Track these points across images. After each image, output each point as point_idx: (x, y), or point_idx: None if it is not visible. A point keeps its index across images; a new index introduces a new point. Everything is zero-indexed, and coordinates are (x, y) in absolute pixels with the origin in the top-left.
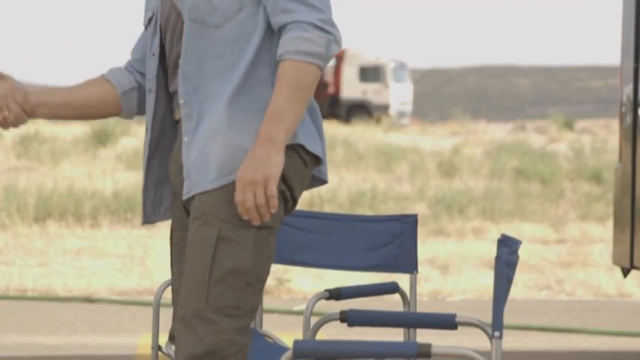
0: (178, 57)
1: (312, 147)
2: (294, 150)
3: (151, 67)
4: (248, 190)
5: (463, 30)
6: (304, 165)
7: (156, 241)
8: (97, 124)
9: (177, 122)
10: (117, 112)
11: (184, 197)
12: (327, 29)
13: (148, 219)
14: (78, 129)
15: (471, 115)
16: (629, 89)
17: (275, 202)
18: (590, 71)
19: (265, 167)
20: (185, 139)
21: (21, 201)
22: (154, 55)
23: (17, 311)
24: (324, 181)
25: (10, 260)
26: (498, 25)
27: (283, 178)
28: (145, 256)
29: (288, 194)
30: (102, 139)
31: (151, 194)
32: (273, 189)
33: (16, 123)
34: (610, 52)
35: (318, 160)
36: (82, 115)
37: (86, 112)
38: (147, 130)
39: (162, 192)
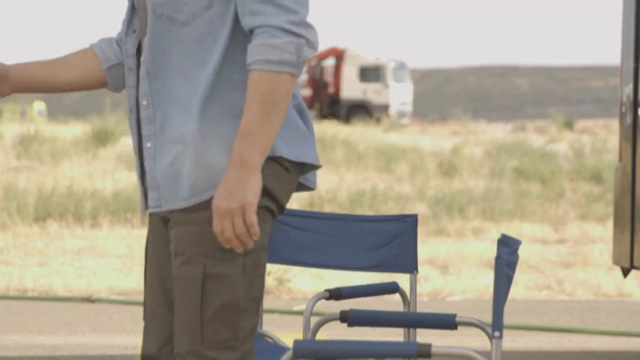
0: None
1: (296, 155)
2: (274, 160)
3: (130, 44)
4: (226, 220)
5: (463, 30)
6: (286, 171)
7: None
8: (97, 124)
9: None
10: (103, 86)
11: (153, 210)
12: (297, 32)
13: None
14: (78, 129)
15: (471, 115)
16: (629, 89)
17: (256, 229)
18: (590, 71)
19: (240, 194)
20: (148, 144)
21: (21, 201)
22: (134, 32)
23: (17, 311)
24: (309, 188)
25: (10, 260)
26: (498, 25)
27: (266, 191)
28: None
29: (273, 206)
30: (102, 139)
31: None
32: (252, 217)
33: None
34: (610, 52)
35: (303, 165)
36: (65, 90)
37: (70, 88)
38: (131, 111)
39: None
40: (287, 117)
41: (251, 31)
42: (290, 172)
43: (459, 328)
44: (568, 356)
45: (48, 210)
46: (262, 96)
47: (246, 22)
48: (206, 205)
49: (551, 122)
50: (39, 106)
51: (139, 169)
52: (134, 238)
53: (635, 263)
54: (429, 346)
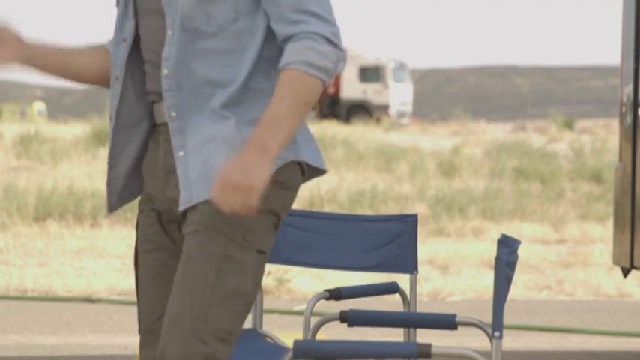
0: (159, 57)
1: (314, 160)
2: (298, 163)
3: (120, 54)
4: (228, 191)
5: (463, 30)
6: (302, 176)
7: None
8: (97, 124)
9: (157, 125)
10: (107, 86)
11: (184, 207)
12: (338, 44)
13: (114, 208)
14: (78, 129)
15: (471, 115)
16: (629, 89)
17: (253, 213)
18: (590, 71)
19: (252, 175)
20: (180, 153)
21: (21, 201)
22: (124, 41)
23: (17, 311)
24: (323, 171)
25: (10, 260)
26: (498, 25)
27: (283, 186)
28: None
29: (277, 221)
30: (102, 139)
31: (119, 186)
32: (254, 201)
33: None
34: (610, 52)
35: (315, 170)
36: (73, 79)
37: (79, 78)
38: (110, 119)
39: (130, 185)
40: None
41: (287, 40)
42: (304, 177)
43: (459, 328)
44: (568, 356)
45: (48, 210)
46: (296, 94)
47: (286, 30)
48: None
49: (551, 122)
50: (39, 106)
51: (112, 172)
52: (134, 238)
53: (635, 263)
54: (429, 346)
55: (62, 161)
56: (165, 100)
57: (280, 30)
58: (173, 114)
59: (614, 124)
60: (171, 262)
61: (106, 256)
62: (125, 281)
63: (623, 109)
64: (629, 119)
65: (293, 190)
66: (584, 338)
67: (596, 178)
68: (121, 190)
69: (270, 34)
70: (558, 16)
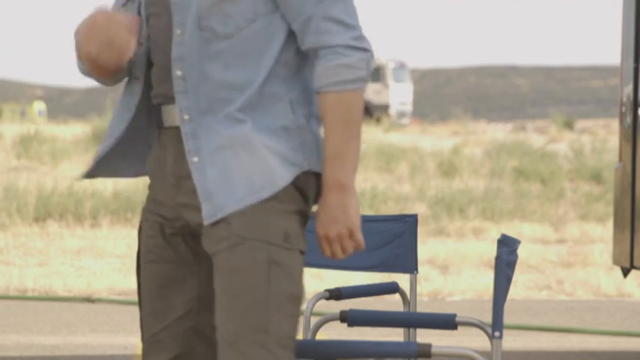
0: (168, 58)
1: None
2: (314, 174)
3: (140, 57)
4: (336, 245)
5: (463, 30)
6: (315, 188)
7: None
8: (97, 124)
9: (163, 128)
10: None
11: (209, 221)
12: (363, 47)
13: (92, 174)
14: (78, 129)
15: (471, 115)
16: (629, 89)
17: (363, 245)
18: (590, 71)
19: (347, 219)
20: (195, 159)
21: (21, 201)
22: (141, 44)
23: (17, 311)
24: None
25: (10, 260)
26: (498, 25)
27: (308, 201)
28: None
29: (305, 223)
30: (102, 139)
31: (109, 162)
32: (360, 236)
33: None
34: (610, 52)
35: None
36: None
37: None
38: (128, 110)
39: (118, 166)
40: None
41: (310, 51)
42: (317, 189)
43: (459, 328)
44: (568, 356)
45: (48, 210)
46: (345, 116)
47: (309, 40)
48: (266, 204)
49: (551, 122)
50: (39, 106)
51: (111, 147)
52: (134, 238)
53: (635, 263)
54: (429, 346)
55: (62, 161)
56: (178, 102)
57: (304, 38)
58: (186, 117)
59: (614, 124)
60: (175, 273)
61: (106, 256)
62: (125, 281)
63: (623, 109)
64: (629, 119)
65: (311, 200)
66: (584, 338)
67: (596, 178)
68: (101, 163)
69: (288, 37)
70: (558, 16)
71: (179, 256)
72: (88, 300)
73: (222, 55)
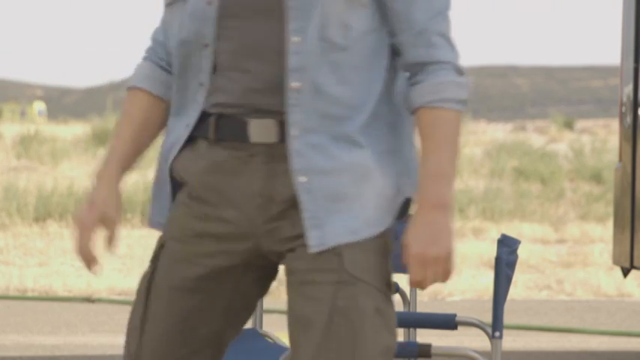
0: (267, 68)
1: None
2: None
3: (205, 59)
4: (430, 269)
5: (463, 30)
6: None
7: (156, 241)
8: (98, 124)
9: (250, 143)
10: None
11: (317, 249)
12: (464, 72)
13: (158, 223)
14: (78, 129)
15: (471, 115)
16: (629, 89)
17: (451, 274)
18: (590, 71)
19: (446, 241)
20: (302, 179)
21: (21, 201)
22: (206, 46)
23: (17, 311)
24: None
25: (10, 260)
26: (498, 25)
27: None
28: (145, 256)
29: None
30: (102, 139)
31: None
32: (452, 266)
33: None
34: (610, 52)
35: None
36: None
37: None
38: (187, 126)
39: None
40: None
41: (416, 65)
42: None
43: (459, 328)
44: (568, 356)
45: (48, 210)
46: (452, 136)
47: (420, 53)
48: (380, 242)
49: (551, 122)
50: (39, 106)
51: (162, 176)
52: (134, 238)
53: (635, 263)
54: (429, 346)
55: (62, 161)
56: (288, 117)
57: (413, 50)
58: (295, 132)
59: (614, 124)
60: (207, 304)
61: (106, 256)
62: (125, 281)
63: (623, 109)
64: (629, 119)
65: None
66: (584, 338)
67: (596, 178)
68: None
69: (391, 53)
70: (558, 16)
71: (221, 288)
72: (88, 300)
73: (338, 69)
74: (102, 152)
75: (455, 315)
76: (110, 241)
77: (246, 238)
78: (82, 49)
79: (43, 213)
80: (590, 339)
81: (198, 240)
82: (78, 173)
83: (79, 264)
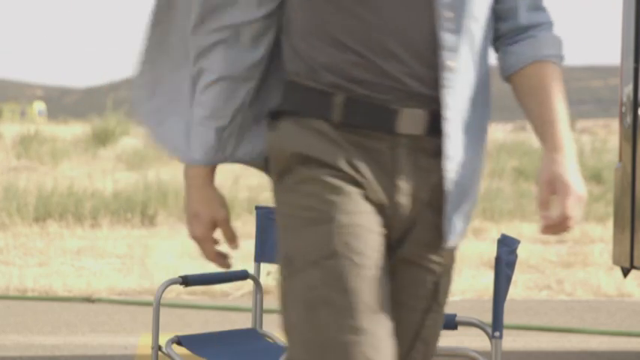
0: (410, 46)
1: None
2: None
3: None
4: (579, 208)
5: None
6: None
7: (156, 241)
8: (98, 124)
9: (395, 134)
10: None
11: (445, 244)
12: None
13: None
14: (78, 129)
15: None
16: (629, 89)
17: (582, 204)
18: (590, 71)
19: (581, 185)
20: (453, 172)
21: (21, 201)
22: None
23: (17, 311)
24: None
25: (10, 260)
26: None
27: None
28: (145, 256)
29: None
30: (102, 139)
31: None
32: (582, 195)
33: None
34: (610, 52)
35: None
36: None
37: None
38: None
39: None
40: None
41: (520, 29)
42: None
43: (459, 328)
44: (568, 356)
45: (48, 210)
46: (561, 86)
47: (530, 16)
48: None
49: None
50: (39, 106)
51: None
52: (134, 238)
53: (635, 263)
54: None
55: (62, 161)
56: (443, 100)
57: (520, 13)
58: (450, 117)
59: (614, 124)
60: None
61: (106, 256)
62: (125, 281)
63: (623, 109)
64: (629, 119)
65: None
66: (584, 338)
67: (596, 178)
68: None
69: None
70: (558, 16)
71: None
72: (88, 300)
73: (479, 46)
74: (102, 152)
75: (455, 315)
76: (229, 238)
77: (392, 214)
78: (82, 49)
79: (43, 213)
80: (590, 339)
81: (367, 203)
82: (78, 173)
83: (78, 264)
